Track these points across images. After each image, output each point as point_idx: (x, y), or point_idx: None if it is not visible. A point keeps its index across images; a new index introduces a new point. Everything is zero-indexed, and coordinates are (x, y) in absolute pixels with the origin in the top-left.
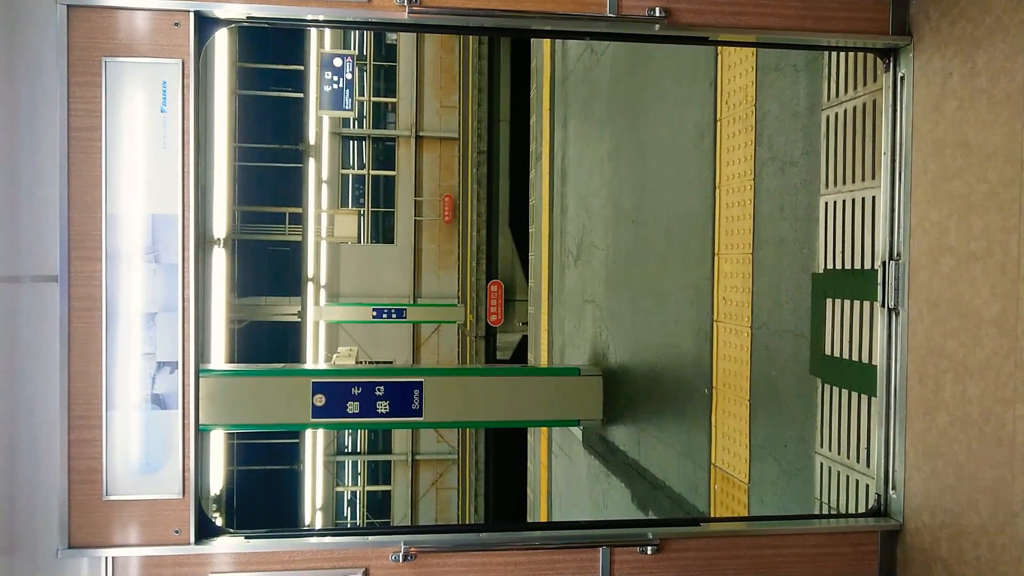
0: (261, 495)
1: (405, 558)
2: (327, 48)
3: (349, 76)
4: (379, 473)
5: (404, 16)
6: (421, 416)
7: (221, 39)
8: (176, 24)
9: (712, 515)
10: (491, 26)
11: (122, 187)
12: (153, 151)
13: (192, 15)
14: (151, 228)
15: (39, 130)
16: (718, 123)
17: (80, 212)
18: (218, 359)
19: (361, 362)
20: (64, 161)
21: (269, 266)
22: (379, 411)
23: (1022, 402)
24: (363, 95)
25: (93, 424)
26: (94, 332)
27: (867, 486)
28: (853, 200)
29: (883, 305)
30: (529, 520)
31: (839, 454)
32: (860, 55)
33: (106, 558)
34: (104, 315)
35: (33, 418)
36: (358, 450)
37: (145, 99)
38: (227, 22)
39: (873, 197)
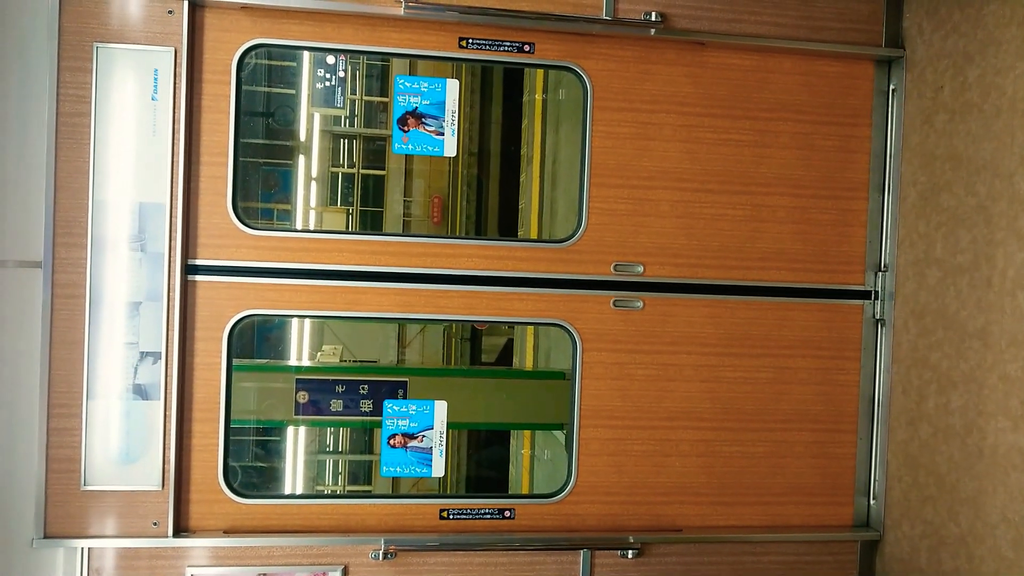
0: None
1: (385, 556)
2: None
3: (342, 74)
4: (360, 473)
5: (400, 11)
6: None
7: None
8: (170, 12)
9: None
10: (485, 24)
11: (110, 174)
12: (143, 139)
13: (186, 3)
14: (138, 216)
15: (27, 114)
16: None
17: (67, 198)
18: None
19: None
20: (52, 146)
21: None
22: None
23: (1004, 415)
24: (355, 93)
25: (73, 412)
26: (77, 319)
27: None
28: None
29: (870, 316)
30: None
31: None
32: None
33: (82, 549)
34: (88, 302)
35: (12, 405)
36: (340, 449)
37: (136, 86)
38: (222, 10)
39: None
